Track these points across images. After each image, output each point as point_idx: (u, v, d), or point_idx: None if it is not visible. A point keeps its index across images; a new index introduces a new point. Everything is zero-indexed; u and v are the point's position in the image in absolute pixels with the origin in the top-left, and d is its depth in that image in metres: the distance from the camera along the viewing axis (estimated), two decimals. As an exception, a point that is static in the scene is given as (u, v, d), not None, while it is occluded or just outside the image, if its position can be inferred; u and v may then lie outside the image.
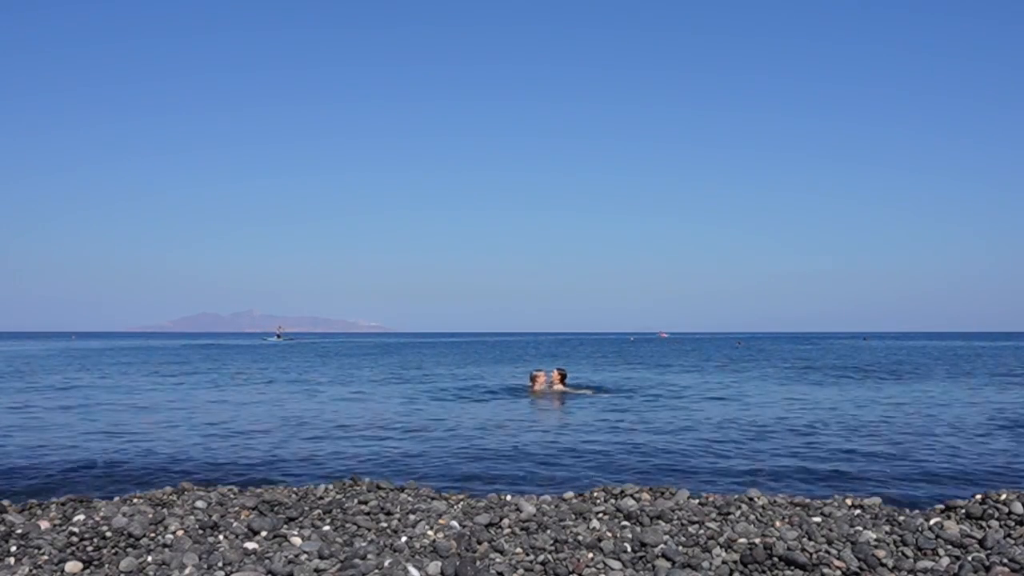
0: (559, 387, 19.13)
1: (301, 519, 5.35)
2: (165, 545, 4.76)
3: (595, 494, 5.95)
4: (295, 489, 6.23)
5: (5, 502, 5.71)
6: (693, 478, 8.38)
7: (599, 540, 4.72)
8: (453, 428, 12.66)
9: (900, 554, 4.54)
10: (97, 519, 5.06)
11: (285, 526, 5.17)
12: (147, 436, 11.69)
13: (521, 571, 4.38)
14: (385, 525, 5.18)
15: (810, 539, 4.68)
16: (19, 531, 4.86)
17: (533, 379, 19.66)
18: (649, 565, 4.45)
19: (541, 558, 4.49)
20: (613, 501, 5.65)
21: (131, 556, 4.54)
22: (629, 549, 4.64)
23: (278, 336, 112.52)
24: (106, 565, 4.48)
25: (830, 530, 4.84)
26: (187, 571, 4.36)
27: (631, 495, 5.78)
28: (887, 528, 4.92)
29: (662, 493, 5.89)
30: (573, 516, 5.27)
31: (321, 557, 4.53)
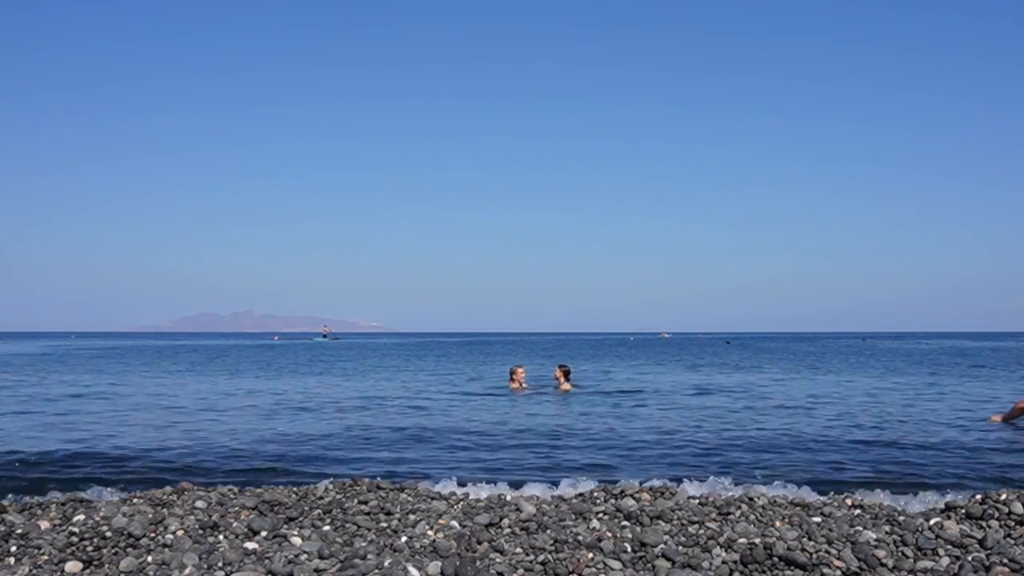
0: (565, 387, 18.44)
1: (301, 519, 5.34)
2: (165, 545, 4.76)
3: (595, 494, 5.94)
4: (295, 489, 6.22)
5: (5, 502, 5.71)
6: (692, 478, 8.37)
7: (599, 540, 4.71)
8: (452, 428, 12.65)
9: (900, 554, 4.54)
10: (97, 519, 5.06)
11: (285, 526, 5.17)
12: (148, 437, 11.69)
13: (521, 571, 4.38)
14: (385, 525, 5.18)
15: (810, 539, 4.68)
16: (19, 531, 4.86)
17: (512, 374, 19.18)
18: (649, 565, 4.45)
19: (541, 558, 4.48)
20: (613, 501, 5.65)
21: (131, 556, 4.54)
22: (629, 549, 4.64)
23: (324, 336, 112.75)
24: (106, 565, 4.48)
25: (830, 530, 4.84)
26: (187, 571, 4.36)
27: (631, 495, 5.78)
28: (887, 528, 4.92)
29: (662, 493, 5.89)
30: (573, 516, 5.27)
31: (321, 557, 4.53)
